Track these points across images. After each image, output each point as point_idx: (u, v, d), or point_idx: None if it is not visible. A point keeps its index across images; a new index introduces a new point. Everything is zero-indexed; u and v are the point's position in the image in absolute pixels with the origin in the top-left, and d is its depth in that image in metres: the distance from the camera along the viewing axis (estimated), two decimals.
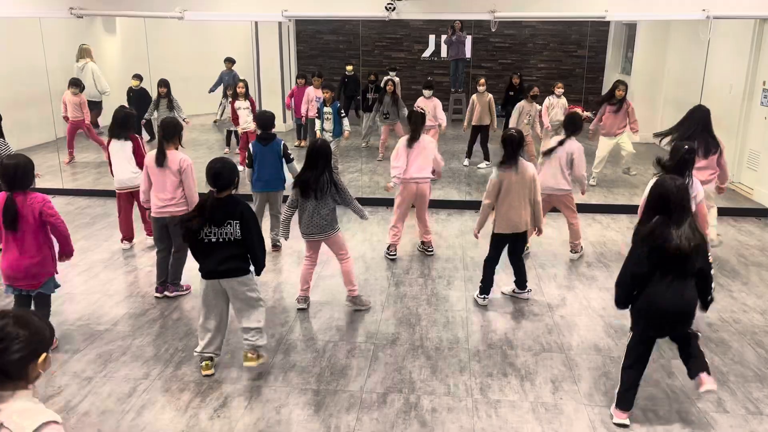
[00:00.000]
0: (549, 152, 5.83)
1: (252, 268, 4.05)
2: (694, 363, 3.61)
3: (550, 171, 5.84)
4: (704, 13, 6.92)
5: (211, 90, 10.81)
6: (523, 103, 9.06)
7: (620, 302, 3.60)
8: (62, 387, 3.98)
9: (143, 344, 4.52)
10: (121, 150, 6.03)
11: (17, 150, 6.38)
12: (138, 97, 9.68)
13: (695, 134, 5.54)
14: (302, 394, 3.92)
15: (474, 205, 7.78)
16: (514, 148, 4.85)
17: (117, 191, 6.18)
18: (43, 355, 1.90)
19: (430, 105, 8.88)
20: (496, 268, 5.14)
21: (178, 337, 4.62)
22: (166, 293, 5.25)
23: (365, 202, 7.85)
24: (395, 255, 6.18)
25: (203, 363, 4.12)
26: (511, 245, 5.12)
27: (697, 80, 7.90)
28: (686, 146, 4.52)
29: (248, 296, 4.02)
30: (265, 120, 6.04)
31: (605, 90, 13.02)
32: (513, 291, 5.30)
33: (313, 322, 4.87)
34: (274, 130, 6.05)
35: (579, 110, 9.83)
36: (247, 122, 8.90)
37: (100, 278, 5.67)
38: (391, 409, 3.77)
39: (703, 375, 3.56)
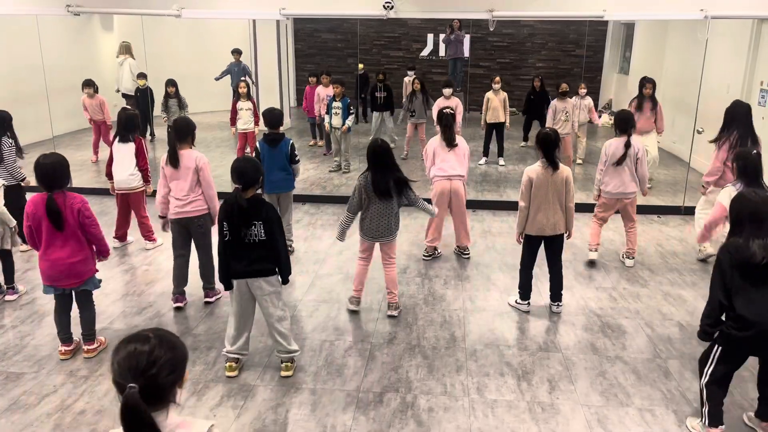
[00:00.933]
0: (622, 160, 5.59)
1: (279, 277, 4.02)
2: None
3: (622, 176, 5.66)
4: (702, 13, 6.92)
5: (217, 78, 10.78)
6: (555, 101, 9.08)
7: (704, 334, 3.39)
8: (57, 386, 3.97)
9: None
10: (123, 151, 6.03)
11: None
12: (144, 96, 9.68)
13: (740, 132, 5.51)
14: (298, 393, 3.91)
15: (473, 205, 7.77)
16: (549, 148, 4.67)
17: (116, 191, 6.17)
18: (186, 372, 1.88)
19: (452, 104, 8.68)
20: (532, 272, 4.99)
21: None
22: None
23: None
24: (430, 256, 6.11)
25: (227, 363, 4.09)
26: (545, 250, 4.93)
27: (695, 80, 7.89)
28: (754, 151, 4.32)
29: (275, 299, 4.01)
30: (273, 118, 5.83)
31: (603, 90, 13.10)
32: (551, 304, 5.06)
33: (309, 321, 4.86)
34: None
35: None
36: (247, 123, 8.93)
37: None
38: (388, 408, 3.76)
39: None
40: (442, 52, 13.32)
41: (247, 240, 3.84)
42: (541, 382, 4.06)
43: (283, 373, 4.08)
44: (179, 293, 5.07)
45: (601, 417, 3.71)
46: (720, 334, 3.35)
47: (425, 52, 13.90)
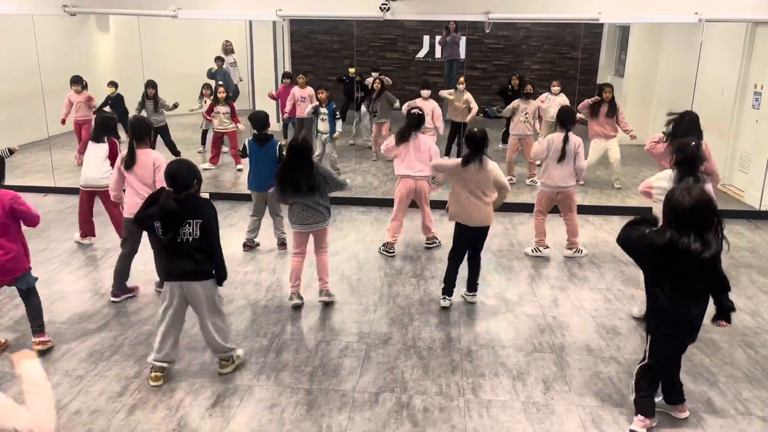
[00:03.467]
0: (563, 156, 5.86)
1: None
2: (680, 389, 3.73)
3: (562, 169, 5.92)
4: (697, 16, 6.96)
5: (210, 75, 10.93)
6: (518, 101, 9.07)
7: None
8: (52, 385, 3.96)
9: (134, 343, 4.50)
10: (96, 151, 6.10)
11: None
12: (114, 104, 9.68)
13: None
14: (294, 393, 3.92)
15: None
16: (476, 145, 4.84)
17: (81, 188, 6.20)
18: None
19: (427, 106, 8.62)
20: (458, 265, 5.09)
21: None
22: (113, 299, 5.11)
23: (359, 202, 7.87)
24: (393, 252, 6.22)
25: (153, 374, 3.96)
26: (472, 241, 5.05)
27: (689, 83, 7.94)
28: (693, 142, 4.34)
29: (211, 305, 3.91)
30: (258, 121, 6.03)
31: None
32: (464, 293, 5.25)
33: (305, 322, 4.87)
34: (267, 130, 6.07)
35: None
36: (223, 124, 9.21)
37: (91, 277, 5.65)
38: (383, 408, 3.77)
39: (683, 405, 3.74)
40: (438, 54, 13.33)
41: (179, 239, 3.72)
42: (535, 382, 4.07)
43: (221, 371, 4.08)
44: (119, 288, 5.11)
45: (596, 417, 3.73)
46: (651, 319, 3.54)
47: (421, 54, 13.92)
